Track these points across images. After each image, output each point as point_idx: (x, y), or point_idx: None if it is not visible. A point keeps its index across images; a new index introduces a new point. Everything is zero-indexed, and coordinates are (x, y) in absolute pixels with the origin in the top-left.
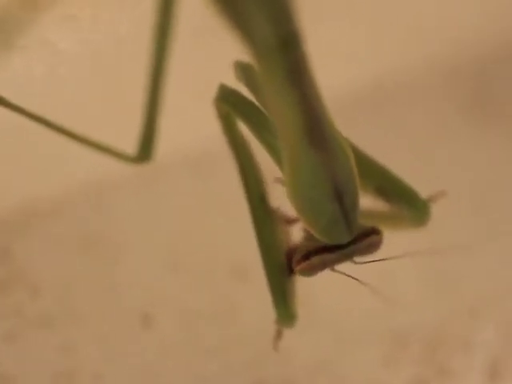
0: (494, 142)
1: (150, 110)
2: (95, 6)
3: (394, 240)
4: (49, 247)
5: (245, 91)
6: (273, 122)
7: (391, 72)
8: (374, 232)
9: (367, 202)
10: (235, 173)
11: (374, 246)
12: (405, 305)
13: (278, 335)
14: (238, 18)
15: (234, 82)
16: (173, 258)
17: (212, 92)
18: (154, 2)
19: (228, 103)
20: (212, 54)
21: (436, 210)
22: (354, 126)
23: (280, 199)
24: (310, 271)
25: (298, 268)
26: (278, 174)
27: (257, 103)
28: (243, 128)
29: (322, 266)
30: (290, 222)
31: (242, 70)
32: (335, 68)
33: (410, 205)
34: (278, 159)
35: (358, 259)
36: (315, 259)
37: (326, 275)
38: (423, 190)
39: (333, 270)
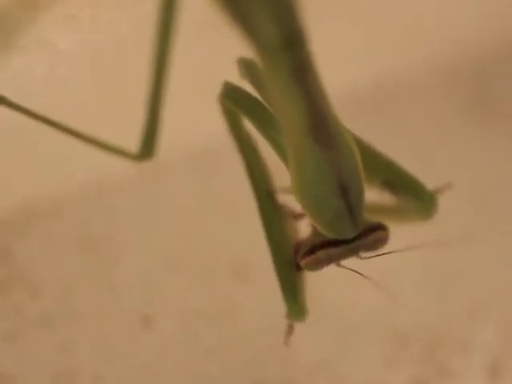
0: (494, 142)
1: (153, 107)
2: (95, 5)
3: (395, 238)
4: (49, 247)
5: (249, 88)
6: (277, 119)
7: (391, 72)
8: (379, 228)
9: (373, 195)
10: (237, 171)
11: (380, 242)
12: (405, 305)
13: (290, 330)
14: (242, 17)
15: (238, 78)
16: (173, 258)
17: (215, 89)
18: (154, 1)
19: (232, 100)
20: (215, 51)
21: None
22: (353, 126)
23: (286, 195)
24: (315, 266)
25: (303, 262)
26: (283, 169)
27: (261, 100)
28: (248, 125)
29: (327, 261)
30: (297, 217)
31: (246, 66)
32: (335, 68)
33: (416, 197)
34: (282, 155)
35: (363, 254)
36: (320, 253)
37: (327, 273)
38: None
39: (338, 264)
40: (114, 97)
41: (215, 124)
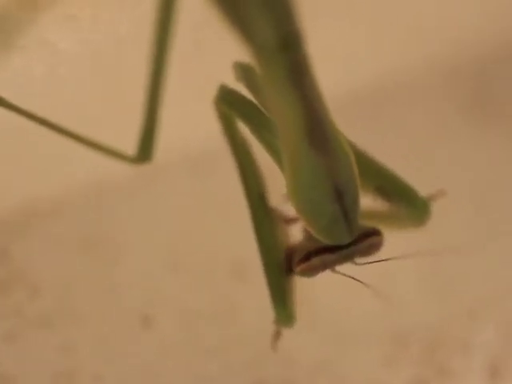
0: (494, 142)
1: (150, 111)
2: (95, 5)
3: (393, 241)
4: (48, 247)
5: (245, 91)
6: (273, 123)
7: (391, 72)
8: (374, 233)
9: (367, 201)
10: (234, 173)
11: (375, 247)
12: (405, 305)
13: (277, 335)
14: (239, 18)
15: (234, 81)
16: (172, 259)
17: (211, 92)
18: (154, 1)
19: (228, 103)
20: (212, 54)
21: (436, 210)
22: (353, 126)
23: (280, 199)
24: (311, 272)
25: (298, 269)
26: (278, 174)
27: (257, 103)
28: (243, 128)
29: (323, 267)
30: (290, 221)
31: (242, 70)
32: (335, 68)
33: (410, 204)
34: (278, 159)
35: (358, 260)
36: (315, 260)
37: (326, 276)
38: (423, 190)
39: (333, 270)
40: (113, 97)
41: (213, 125)
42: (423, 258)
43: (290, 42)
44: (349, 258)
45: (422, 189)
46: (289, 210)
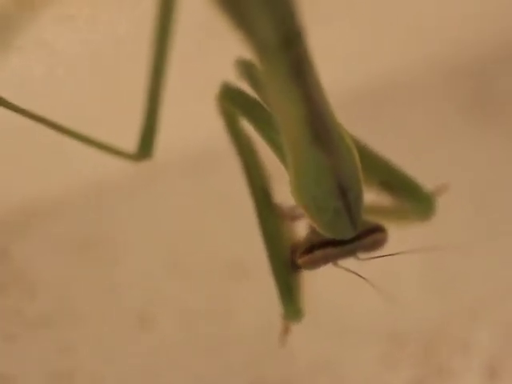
0: (494, 142)
1: (151, 108)
2: (93, 6)
3: (396, 239)
4: (48, 247)
5: (247, 88)
6: (276, 119)
7: (391, 72)
8: (378, 229)
9: (372, 196)
10: (235, 171)
11: (378, 243)
12: (405, 303)
13: (286, 330)
14: (241, 17)
15: (236, 79)
16: (172, 259)
17: (213, 89)
18: (154, 1)
19: (230, 100)
20: (213, 51)
21: (437, 210)
22: (353, 126)
23: (284, 195)
24: (313, 265)
25: (300, 261)
26: (281, 170)
27: (259, 100)
28: (246, 125)
29: (325, 261)
30: (294, 218)
31: (244, 67)
32: (335, 68)
33: (414, 198)
34: (281, 156)
35: (361, 256)
36: (318, 253)
37: (328, 272)
38: None
39: (335, 265)
40: (112, 97)
41: (214, 124)
42: (425, 256)
43: (291, 40)
44: (351, 252)
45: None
46: (293, 206)
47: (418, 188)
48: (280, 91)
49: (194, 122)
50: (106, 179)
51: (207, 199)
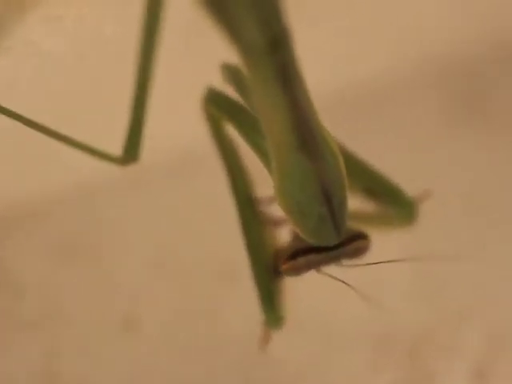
0: (494, 142)
1: (137, 111)
2: (81, 6)
3: (385, 243)
4: (35, 249)
5: (231, 93)
6: (261, 124)
7: (391, 72)
8: (361, 236)
9: (355, 202)
10: (222, 174)
11: (362, 251)
12: (391, 309)
13: (266, 337)
14: (227, 19)
15: (221, 83)
16: (160, 260)
17: (198, 93)
18: (141, 2)
19: (215, 105)
20: (199, 55)
21: (435, 210)
22: (353, 126)
23: (267, 201)
24: (296, 271)
25: (283, 267)
26: (266, 175)
27: (245, 105)
28: (230, 130)
29: (308, 267)
30: (277, 223)
31: (230, 72)
32: (335, 68)
33: (397, 204)
34: (265, 161)
35: (344, 263)
36: (301, 259)
37: (313, 278)
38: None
39: (319, 271)
40: (99, 98)
41: (200, 126)
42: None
43: (277, 44)
44: (335, 259)
45: (422, 189)
46: (276, 211)
47: (400, 194)
48: (266, 96)
49: (180, 123)
50: (93, 181)
51: (194, 200)
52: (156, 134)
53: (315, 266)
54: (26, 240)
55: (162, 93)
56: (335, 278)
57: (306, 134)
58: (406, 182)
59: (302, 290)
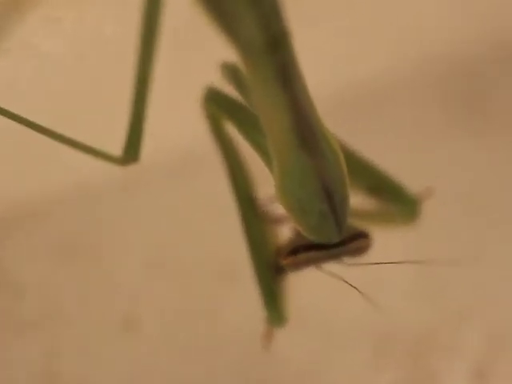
0: (494, 142)
1: (136, 112)
2: (80, 8)
3: (385, 241)
4: (35, 249)
5: (231, 92)
6: (261, 123)
7: (391, 72)
8: (363, 235)
9: (358, 200)
10: (222, 173)
11: (363, 249)
12: (392, 309)
13: (268, 335)
14: (226, 19)
15: (221, 82)
16: (160, 260)
17: (198, 93)
18: (139, 3)
19: (215, 104)
20: (198, 54)
21: (436, 210)
22: (353, 126)
23: (268, 199)
24: (296, 267)
25: (284, 262)
26: (266, 173)
27: (244, 104)
28: (231, 129)
29: (308, 263)
30: (278, 222)
31: (229, 71)
32: (335, 68)
33: (400, 202)
34: (266, 159)
35: (345, 260)
36: (302, 255)
37: (314, 276)
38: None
39: (319, 268)
40: (98, 99)
41: (200, 126)
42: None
43: (276, 43)
44: (335, 257)
45: (422, 188)
46: (277, 209)
47: (403, 192)
48: (265, 95)
49: (180, 122)
50: (93, 181)
51: (194, 200)
52: (156, 134)
53: (315, 262)
54: (26, 240)
55: (161, 93)
56: (336, 277)
57: (306, 131)
58: (406, 182)
59: (304, 288)
